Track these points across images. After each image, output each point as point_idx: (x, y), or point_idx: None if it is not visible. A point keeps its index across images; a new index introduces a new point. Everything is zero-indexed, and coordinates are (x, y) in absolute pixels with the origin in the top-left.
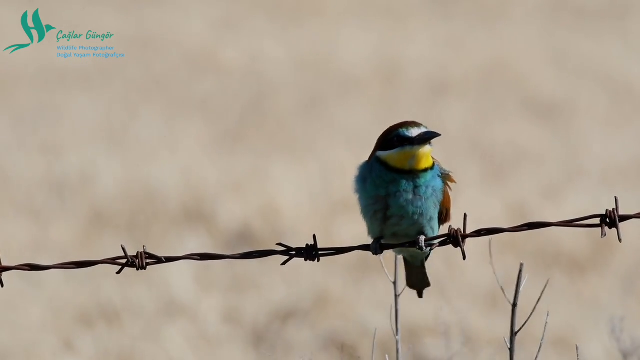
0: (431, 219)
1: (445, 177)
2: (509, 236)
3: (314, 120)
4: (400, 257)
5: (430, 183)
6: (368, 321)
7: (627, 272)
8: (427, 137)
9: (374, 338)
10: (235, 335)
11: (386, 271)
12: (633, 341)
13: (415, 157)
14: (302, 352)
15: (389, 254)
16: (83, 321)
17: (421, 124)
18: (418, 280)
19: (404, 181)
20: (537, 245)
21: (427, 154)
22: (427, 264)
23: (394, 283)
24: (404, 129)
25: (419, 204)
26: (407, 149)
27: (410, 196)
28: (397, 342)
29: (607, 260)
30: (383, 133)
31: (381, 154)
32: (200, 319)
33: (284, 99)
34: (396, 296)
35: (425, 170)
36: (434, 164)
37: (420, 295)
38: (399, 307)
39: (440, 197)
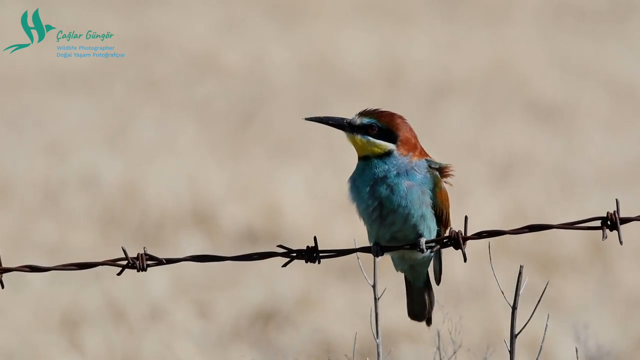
0: (424, 216)
1: (439, 172)
2: (514, 238)
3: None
4: (380, 261)
5: (393, 171)
6: (354, 324)
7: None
8: (329, 124)
9: (355, 343)
10: (215, 335)
11: (365, 275)
12: (599, 348)
13: (353, 145)
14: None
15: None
16: (83, 322)
17: (367, 113)
18: (419, 308)
19: (364, 167)
20: (542, 248)
21: (358, 142)
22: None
23: (374, 287)
24: (353, 116)
25: (401, 193)
26: (348, 135)
27: (385, 184)
28: (377, 345)
29: (613, 262)
30: None
31: None
32: (177, 320)
33: (285, 101)
34: (376, 299)
35: (371, 158)
36: (387, 153)
37: (428, 323)
38: (379, 311)
39: (429, 193)
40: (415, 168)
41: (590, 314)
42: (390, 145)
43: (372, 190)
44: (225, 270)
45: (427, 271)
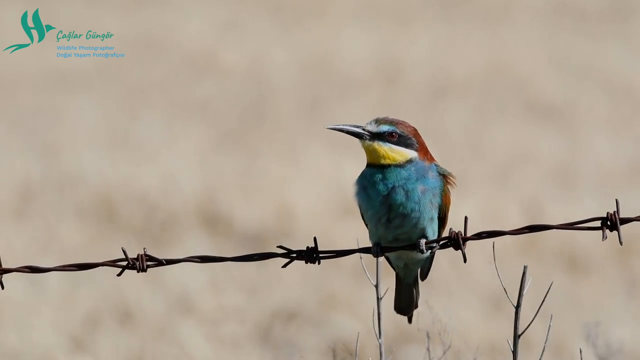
0: (432, 219)
1: (445, 177)
2: (516, 238)
3: (315, 122)
4: (384, 261)
5: (418, 175)
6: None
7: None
8: (348, 132)
9: (357, 342)
10: (243, 335)
11: (368, 275)
12: (608, 347)
13: (371, 152)
14: (306, 353)
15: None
16: (93, 322)
17: (385, 121)
18: (406, 302)
19: (380, 175)
20: (545, 247)
21: (379, 150)
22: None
23: (376, 286)
24: (367, 123)
25: (415, 198)
26: (365, 143)
27: (402, 191)
28: (380, 345)
29: (614, 263)
30: None
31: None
32: (210, 319)
33: (285, 101)
34: (378, 299)
35: (391, 165)
36: (409, 160)
37: (409, 320)
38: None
39: (438, 197)
40: (429, 172)
41: (611, 313)
42: (412, 153)
43: (385, 197)
44: (240, 271)
45: (418, 271)
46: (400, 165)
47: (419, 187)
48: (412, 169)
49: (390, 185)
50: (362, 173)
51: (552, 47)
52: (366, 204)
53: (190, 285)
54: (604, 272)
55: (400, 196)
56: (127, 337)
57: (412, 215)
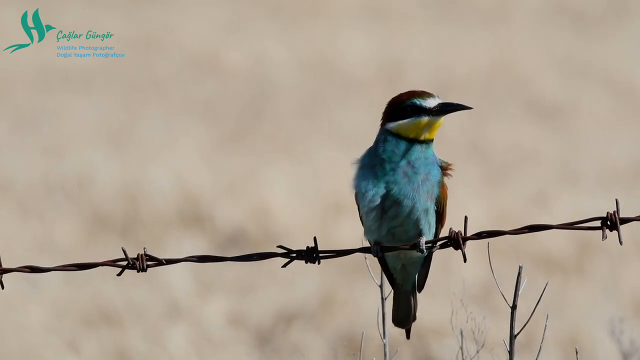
0: (427, 211)
1: (444, 168)
2: (509, 238)
3: (316, 122)
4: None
5: (428, 161)
6: (372, 323)
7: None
8: (448, 110)
9: (362, 341)
10: (239, 337)
11: (372, 274)
12: (632, 342)
13: (431, 127)
14: (307, 354)
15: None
16: (85, 323)
17: (432, 93)
18: (404, 313)
19: (407, 149)
20: (535, 248)
21: (440, 124)
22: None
23: (380, 286)
24: (419, 99)
25: (416, 179)
26: (424, 118)
27: (410, 171)
28: (384, 345)
29: (605, 262)
30: (390, 104)
31: (392, 125)
32: (201, 321)
33: (286, 101)
34: (382, 299)
35: (432, 140)
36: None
37: (407, 335)
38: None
39: (436, 186)
40: (432, 158)
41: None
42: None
43: (389, 175)
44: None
45: (416, 276)
46: (427, 143)
47: (422, 172)
48: (431, 149)
49: (404, 162)
50: (370, 150)
51: (552, 46)
52: (364, 183)
53: (182, 287)
54: (582, 272)
55: (400, 176)
56: (122, 338)
57: (407, 203)
